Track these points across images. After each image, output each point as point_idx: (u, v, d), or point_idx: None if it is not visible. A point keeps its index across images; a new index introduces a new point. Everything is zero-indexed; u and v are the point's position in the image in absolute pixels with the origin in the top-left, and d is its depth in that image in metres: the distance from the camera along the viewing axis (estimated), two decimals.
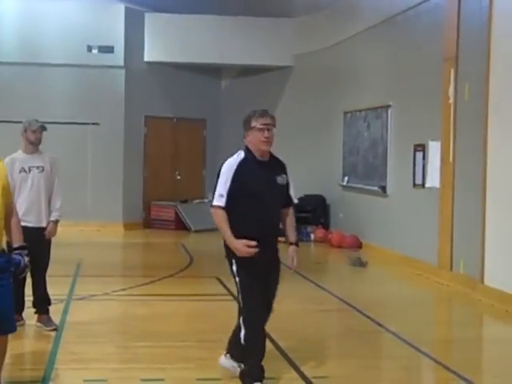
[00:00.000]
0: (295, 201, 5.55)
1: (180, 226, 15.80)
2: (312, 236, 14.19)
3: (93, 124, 15.38)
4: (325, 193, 14.84)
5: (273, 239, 5.35)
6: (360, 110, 13.21)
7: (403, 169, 11.35)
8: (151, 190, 16.25)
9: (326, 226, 14.56)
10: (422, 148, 10.71)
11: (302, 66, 15.70)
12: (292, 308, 8.05)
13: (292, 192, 5.50)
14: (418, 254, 10.68)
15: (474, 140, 9.13)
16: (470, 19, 9.46)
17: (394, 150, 11.92)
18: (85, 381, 5.49)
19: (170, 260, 11.94)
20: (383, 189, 12.09)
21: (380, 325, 7.46)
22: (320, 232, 14.11)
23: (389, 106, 12.01)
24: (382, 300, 8.95)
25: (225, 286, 9.07)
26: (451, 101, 9.79)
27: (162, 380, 5.51)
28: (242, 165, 5.24)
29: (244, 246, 5.10)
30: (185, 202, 16.34)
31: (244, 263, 5.18)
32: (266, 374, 5.19)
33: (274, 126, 5.28)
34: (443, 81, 9.98)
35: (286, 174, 5.44)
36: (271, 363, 5.76)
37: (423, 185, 10.67)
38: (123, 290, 8.99)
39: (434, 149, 10.26)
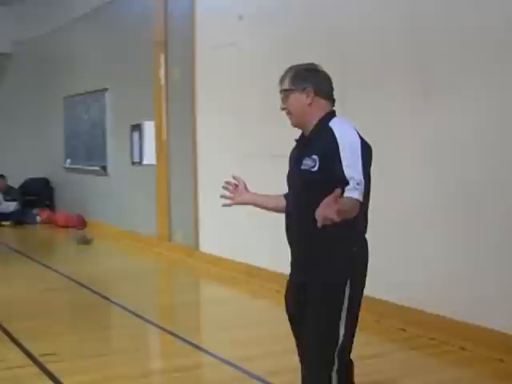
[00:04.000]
0: (354, 195, 2.93)
1: None
2: (38, 218, 13.60)
3: None
4: (49, 176, 14.41)
5: (299, 247, 3.26)
6: (79, 95, 12.83)
7: (122, 148, 11.18)
8: None
9: (52, 208, 14.10)
10: (138, 128, 10.62)
11: (21, 53, 14.94)
12: (18, 289, 7.65)
13: (349, 171, 2.96)
14: (139, 227, 10.62)
15: (184, 118, 9.23)
16: (177, 7, 9.49)
17: (112, 131, 11.75)
18: None
19: None
20: (104, 168, 11.90)
21: (106, 298, 7.27)
22: (45, 214, 13.58)
23: (106, 90, 11.78)
24: (107, 274, 8.76)
25: None
26: (162, 83, 9.80)
27: None
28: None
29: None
30: None
31: None
32: None
33: (291, 90, 3.24)
34: (154, 64, 9.94)
35: (322, 152, 3.09)
36: None
37: (141, 162, 10.62)
38: None
39: (149, 128, 10.23)
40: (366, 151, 3.08)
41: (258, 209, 3.66)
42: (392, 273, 5.80)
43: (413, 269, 5.73)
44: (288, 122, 3.34)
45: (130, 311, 6.63)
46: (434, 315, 5.48)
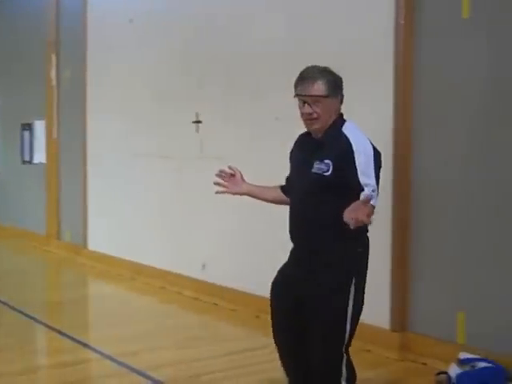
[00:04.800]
0: (371, 198, 2.91)
1: None
2: None
3: None
4: None
5: (305, 248, 3.28)
6: None
7: (12, 147, 11.04)
8: None
9: None
10: (29, 127, 10.50)
11: None
12: None
13: (364, 178, 3.03)
14: (29, 226, 10.49)
15: (75, 117, 9.19)
16: (69, 6, 9.45)
17: (2, 130, 11.55)
18: None
19: None
20: None
21: None
22: None
23: None
24: None
25: None
26: (54, 83, 9.73)
27: None
28: (295, 144, 3.44)
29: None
30: None
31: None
32: None
33: (328, 96, 3.17)
34: (46, 64, 9.85)
35: (336, 157, 3.11)
36: None
37: (31, 161, 10.51)
38: None
39: (40, 127, 10.16)
40: (378, 158, 3.14)
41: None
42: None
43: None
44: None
45: (15, 309, 6.56)
46: None
